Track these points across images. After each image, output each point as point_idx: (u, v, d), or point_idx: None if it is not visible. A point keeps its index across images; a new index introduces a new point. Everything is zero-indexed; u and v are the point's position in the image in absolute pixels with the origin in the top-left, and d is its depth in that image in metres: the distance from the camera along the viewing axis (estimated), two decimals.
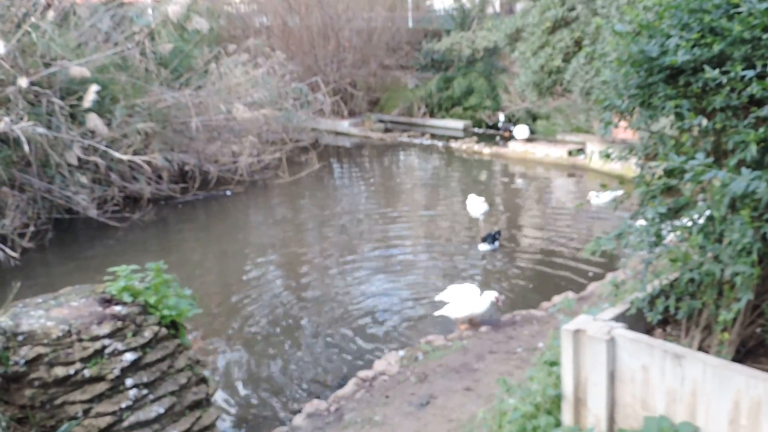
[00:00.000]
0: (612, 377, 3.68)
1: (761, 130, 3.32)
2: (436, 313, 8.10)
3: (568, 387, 3.89)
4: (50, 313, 4.50)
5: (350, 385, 6.86)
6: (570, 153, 17.87)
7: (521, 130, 19.45)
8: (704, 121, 3.69)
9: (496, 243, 10.99)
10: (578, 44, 15.59)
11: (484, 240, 11.05)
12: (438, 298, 8.30)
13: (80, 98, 12.36)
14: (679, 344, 3.71)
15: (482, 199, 12.59)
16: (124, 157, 12.67)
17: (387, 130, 23.51)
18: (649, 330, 4.21)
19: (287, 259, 11.51)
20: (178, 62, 15.95)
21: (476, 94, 23.07)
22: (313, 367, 7.78)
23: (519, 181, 17.40)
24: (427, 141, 21.77)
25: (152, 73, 14.86)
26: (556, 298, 8.63)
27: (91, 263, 11.27)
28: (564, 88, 16.93)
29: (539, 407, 4.14)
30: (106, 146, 12.57)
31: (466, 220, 13.09)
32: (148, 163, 13.08)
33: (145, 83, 14.35)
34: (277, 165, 16.80)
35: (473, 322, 8.03)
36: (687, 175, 3.43)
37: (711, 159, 3.44)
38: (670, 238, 3.95)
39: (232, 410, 6.90)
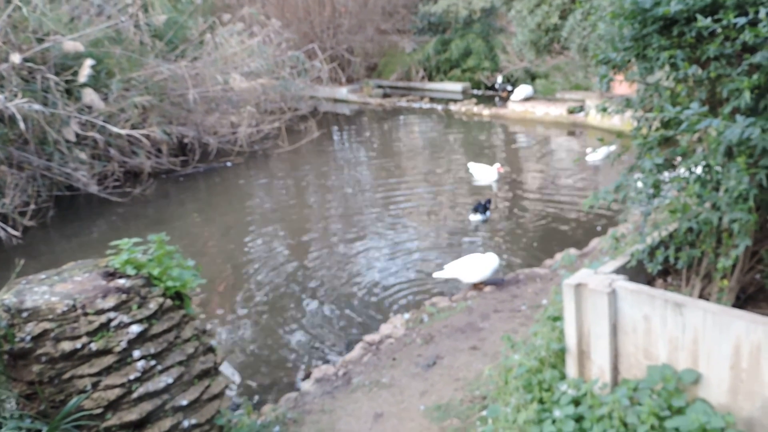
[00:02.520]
0: (614, 329, 3.71)
1: (755, 77, 3.30)
2: (445, 275, 8.09)
3: (571, 340, 3.92)
4: (54, 289, 4.52)
5: (357, 350, 6.92)
6: (570, 111, 17.77)
7: (522, 90, 19.32)
8: (699, 71, 3.66)
9: (488, 213, 10.82)
10: (574, 0, 15.41)
11: (475, 210, 10.84)
12: (445, 267, 8.25)
13: (75, 73, 12.29)
14: (680, 293, 3.72)
15: (497, 165, 12.61)
16: (123, 132, 12.64)
17: (386, 96, 23.38)
18: (649, 281, 4.23)
19: (290, 229, 11.53)
20: (173, 34, 15.82)
21: (474, 55, 22.88)
22: (319, 333, 7.83)
23: (519, 141, 17.34)
24: (426, 105, 21.66)
25: (147, 46, 14.74)
26: (559, 256, 8.66)
27: (93, 239, 11.31)
28: (562, 46, 16.77)
29: (544, 362, 4.17)
30: (104, 121, 12.52)
31: (469, 183, 13.08)
32: (147, 136, 13.06)
33: (140, 56, 14.24)
34: (277, 134, 16.76)
35: (478, 284, 8.06)
36: (683, 125, 3.42)
37: (706, 108, 3.43)
38: (669, 190, 3.95)
39: (241, 378, 6.97)
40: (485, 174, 12.73)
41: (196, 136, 15.20)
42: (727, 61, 3.61)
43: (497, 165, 12.69)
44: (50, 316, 4.29)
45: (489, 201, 10.95)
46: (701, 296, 3.95)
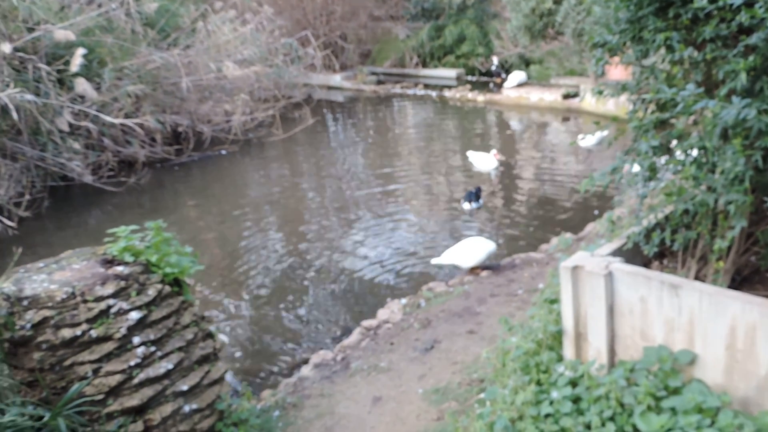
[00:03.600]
0: (611, 311, 3.74)
1: (751, 58, 3.31)
2: (443, 262, 8.12)
3: (568, 323, 3.95)
4: (53, 277, 4.53)
5: (355, 335, 6.96)
6: (565, 96, 17.77)
7: (516, 76, 19.31)
8: (694, 53, 3.67)
9: (480, 201, 10.73)
10: None
11: (468, 199, 10.74)
12: (443, 254, 8.27)
13: (67, 63, 12.22)
14: (676, 275, 3.76)
15: (493, 152, 12.60)
16: (116, 121, 12.59)
17: (380, 83, 23.32)
18: (646, 263, 4.27)
19: (286, 216, 11.54)
20: (165, 22, 15.72)
21: (468, 41, 22.81)
22: (316, 319, 7.87)
23: (514, 127, 17.35)
24: (420, 91, 21.62)
25: (139, 34, 14.64)
26: (555, 240, 8.70)
27: (89, 229, 11.31)
28: (556, 31, 16.77)
29: (541, 344, 4.21)
30: (97, 111, 12.47)
31: (465, 169, 13.10)
32: (141, 126, 13.01)
33: (132, 45, 14.15)
34: (271, 122, 16.71)
35: (475, 268, 8.10)
36: (678, 107, 3.44)
37: (702, 90, 3.44)
38: (665, 173, 3.98)
39: (240, 364, 7.00)
40: (484, 162, 12.71)
41: (190, 124, 15.15)
42: (723, 43, 3.63)
43: (494, 151, 12.67)
44: (50, 304, 4.30)
45: (479, 189, 10.89)
46: (697, 278, 3.98)
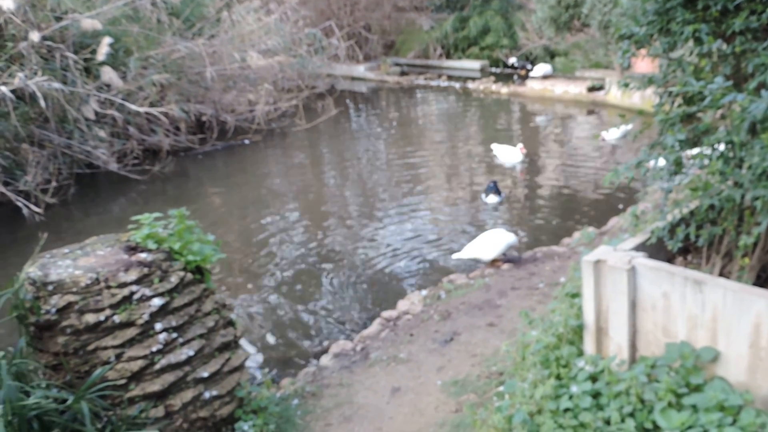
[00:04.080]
0: (633, 306, 3.71)
1: None
2: (464, 256, 8.10)
3: (589, 317, 3.92)
4: (77, 263, 4.59)
5: (375, 325, 6.98)
6: (590, 89, 17.62)
7: (541, 69, 19.16)
8: (723, 45, 3.62)
9: (502, 194, 10.66)
10: None
11: (489, 193, 10.64)
12: (464, 248, 8.24)
13: (93, 51, 12.33)
14: (700, 271, 3.72)
15: (519, 145, 12.50)
16: (141, 110, 12.69)
17: (403, 74, 23.27)
18: (669, 259, 4.22)
19: (307, 206, 11.57)
20: (190, 11, 15.79)
21: (493, 33, 22.68)
22: (337, 309, 7.89)
23: (538, 120, 17.23)
24: (444, 83, 21.55)
25: (164, 24, 14.73)
26: (577, 234, 8.64)
27: (113, 216, 11.44)
28: (582, 23, 16.61)
29: (561, 338, 4.18)
30: (123, 99, 12.58)
31: (487, 162, 13.05)
32: (165, 114, 13.11)
33: (157, 34, 14.26)
34: (294, 112, 16.76)
35: (496, 261, 8.07)
36: (706, 100, 3.39)
37: (730, 83, 3.39)
38: (691, 167, 3.93)
39: (260, 352, 7.05)
40: (509, 155, 12.61)
41: (213, 113, 15.24)
42: (752, 36, 3.57)
43: (520, 145, 12.57)
44: (74, 289, 4.35)
45: (495, 182, 10.82)
46: (721, 274, 3.94)
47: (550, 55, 20.54)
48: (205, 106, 15.10)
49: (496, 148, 12.96)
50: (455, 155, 13.92)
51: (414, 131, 16.64)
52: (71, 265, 4.55)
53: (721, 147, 3.67)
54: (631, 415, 3.49)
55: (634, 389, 3.50)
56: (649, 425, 3.42)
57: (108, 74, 12.29)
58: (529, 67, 20.74)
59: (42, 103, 10.99)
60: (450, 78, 21.89)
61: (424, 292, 7.57)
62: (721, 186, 3.73)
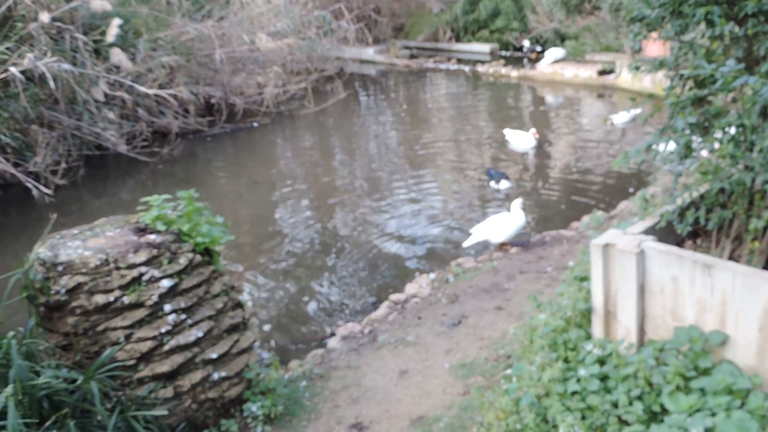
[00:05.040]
0: (642, 289, 3.70)
1: None
2: (473, 240, 8.09)
3: (598, 301, 3.92)
4: (87, 244, 4.61)
5: (383, 308, 6.99)
6: (600, 73, 17.49)
7: (553, 53, 18.98)
8: (735, 28, 3.58)
9: (511, 181, 10.56)
10: None
11: (498, 179, 10.52)
12: (472, 232, 8.22)
13: (103, 33, 12.34)
14: (709, 255, 3.70)
15: (532, 131, 12.41)
16: (150, 92, 12.70)
17: (412, 57, 23.17)
18: (678, 243, 4.20)
19: (316, 189, 11.58)
20: None
21: (503, 15, 22.50)
22: (344, 292, 7.91)
23: (548, 104, 17.14)
24: (453, 66, 21.44)
25: (173, 6, 14.72)
26: (586, 218, 8.61)
27: (122, 198, 11.48)
28: (593, 5, 16.46)
29: (570, 321, 4.18)
30: (132, 81, 12.59)
31: (496, 147, 13.01)
32: (174, 96, 13.12)
33: (167, 16, 14.24)
34: (303, 95, 16.72)
35: (504, 244, 8.06)
36: (717, 83, 3.36)
37: (742, 66, 3.36)
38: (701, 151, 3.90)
39: (268, 335, 7.08)
40: (522, 140, 12.50)
41: (222, 96, 15.23)
42: (765, 18, 3.52)
43: (532, 130, 12.43)
44: (84, 270, 4.38)
45: (489, 169, 10.85)
46: (731, 258, 3.92)
47: (561, 38, 20.39)
48: (214, 89, 15.09)
49: (508, 133, 12.84)
50: (464, 139, 13.87)
51: (423, 115, 16.58)
52: (81, 246, 4.57)
53: (732, 130, 3.64)
54: (639, 398, 3.49)
55: (642, 372, 3.50)
56: (656, 408, 3.42)
57: (117, 56, 12.30)
58: (539, 49, 20.59)
59: (51, 84, 11.01)
60: (459, 61, 21.77)
61: (432, 275, 7.57)
62: (731, 170, 3.71)
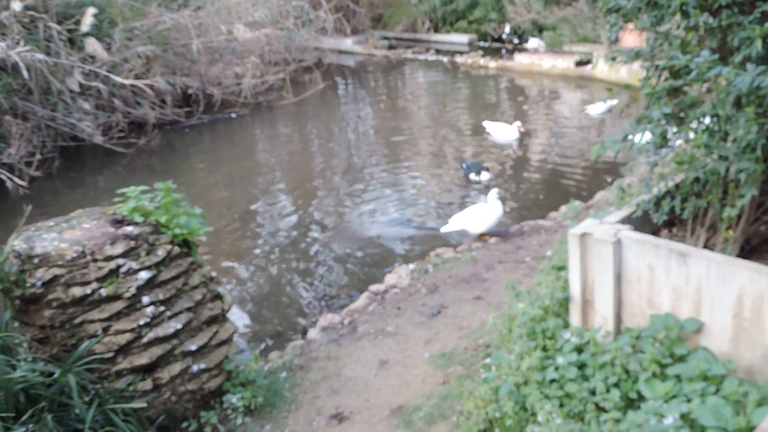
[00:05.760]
0: (618, 278, 3.74)
1: (766, 25, 3.25)
2: (451, 229, 8.12)
3: (575, 289, 3.95)
4: (63, 236, 4.56)
5: (362, 299, 7.00)
6: (577, 63, 17.58)
7: (533, 44, 19.09)
8: (710, 19, 3.61)
9: (487, 173, 10.57)
10: None
11: (475, 171, 10.54)
12: (450, 220, 8.24)
13: (77, 22, 12.18)
14: (685, 244, 3.75)
15: (517, 123, 12.35)
16: (126, 82, 12.57)
17: (391, 47, 23.14)
18: (654, 232, 4.25)
19: (295, 181, 11.54)
20: None
21: (481, 6, 22.56)
22: (324, 283, 7.91)
23: (525, 94, 17.20)
24: (432, 57, 21.45)
25: None
26: (564, 208, 8.67)
27: (99, 189, 11.36)
28: None
29: (548, 310, 4.22)
30: (107, 71, 12.45)
31: (475, 137, 13.04)
32: (151, 87, 13.00)
33: (142, 5, 14.07)
34: (281, 86, 16.65)
35: (483, 235, 8.09)
36: (692, 74, 3.39)
37: (716, 56, 3.39)
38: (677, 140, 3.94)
39: (248, 326, 7.07)
40: (504, 133, 12.43)
41: (200, 87, 15.12)
42: (739, 9, 3.55)
43: (518, 123, 12.36)
44: (60, 262, 4.34)
45: (463, 161, 10.90)
46: (706, 247, 3.97)
47: (539, 29, 20.46)
48: (192, 79, 14.98)
49: (489, 125, 12.77)
50: (443, 130, 13.89)
51: (401, 105, 16.58)
52: (57, 238, 4.52)
53: (707, 120, 3.68)
54: (616, 385, 3.53)
55: (619, 360, 3.54)
56: (633, 395, 3.47)
57: (92, 45, 12.16)
58: (516, 41, 20.65)
59: (25, 74, 10.86)
60: (438, 52, 21.78)
61: (411, 266, 7.59)
62: (706, 159, 3.75)
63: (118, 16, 13.52)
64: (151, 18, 13.93)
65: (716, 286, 3.32)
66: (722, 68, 3.23)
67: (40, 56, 11.09)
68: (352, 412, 5.00)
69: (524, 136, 12.61)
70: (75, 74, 12.10)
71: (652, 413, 3.14)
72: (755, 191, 3.43)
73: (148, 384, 4.62)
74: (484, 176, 10.47)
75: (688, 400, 3.16)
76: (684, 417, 3.07)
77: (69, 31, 12.28)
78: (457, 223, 8.06)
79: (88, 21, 11.97)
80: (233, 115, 15.48)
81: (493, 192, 8.09)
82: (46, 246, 4.41)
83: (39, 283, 4.31)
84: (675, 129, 3.85)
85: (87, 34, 12.19)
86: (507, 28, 21.23)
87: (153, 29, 13.86)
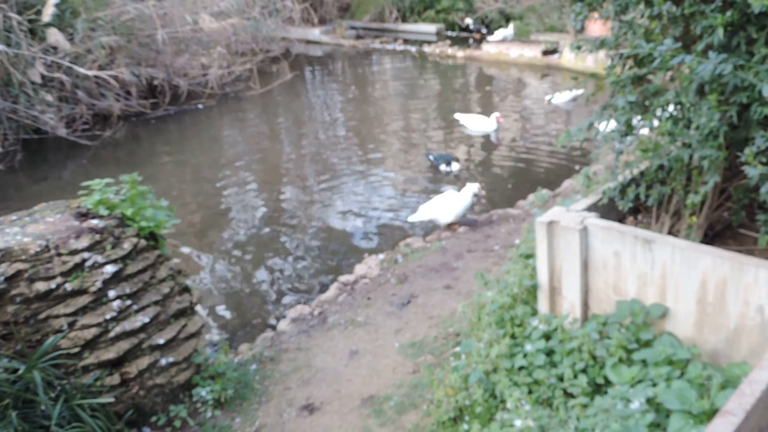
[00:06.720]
0: (585, 265, 3.78)
1: (728, 13, 3.29)
2: (420, 218, 8.12)
3: (543, 277, 3.99)
4: (26, 230, 4.48)
5: (332, 290, 6.99)
6: (544, 53, 17.69)
7: (501, 33, 19.16)
8: (673, 8, 3.65)
9: (456, 164, 10.54)
10: None
11: (443, 161, 10.51)
12: (419, 209, 8.25)
13: (39, 12, 11.93)
14: (650, 230, 3.80)
15: (496, 114, 12.24)
16: (90, 73, 12.36)
17: (359, 37, 23.06)
18: (620, 219, 4.30)
19: (263, 171, 11.47)
20: None
21: None
22: (294, 274, 7.88)
23: (493, 84, 17.27)
24: (400, 46, 21.42)
25: None
26: (532, 196, 8.74)
27: (63, 183, 11.17)
28: None
29: (516, 298, 4.25)
30: (70, 62, 12.23)
31: (443, 128, 13.06)
32: (115, 78, 12.80)
33: None
34: (248, 76, 16.50)
35: (453, 224, 8.12)
36: (656, 62, 3.43)
37: (679, 45, 3.43)
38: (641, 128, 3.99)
39: (217, 319, 7.02)
40: (481, 124, 12.29)
41: (165, 77, 14.91)
42: None
43: (496, 114, 12.25)
44: (23, 257, 4.26)
45: (429, 152, 10.93)
46: (670, 233, 4.03)
47: (506, 18, 20.54)
48: (157, 70, 14.76)
49: (462, 118, 12.60)
50: (411, 120, 13.89)
51: (370, 95, 16.54)
52: (20, 232, 4.44)
53: (671, 108, 3.72)
54: (584, 371, 3.58)
55: (586, 346, 3.58)
56: (600, 380, 3.52)
57: (54, 36, 11.92)
58: (484, 31, 20.71)
59: None
60: (406, 42, 21.76)
61: (381, 256, 7.60)
62: (670, 146, 3.80)
63: (80, 6, 13.27)
64: (114, 8, 13.70)
65: (681, 271, 3.37)
66: (685, 56, 3.27)
67: (0, 47, 10.84)
68: (323, 402, 5.00)
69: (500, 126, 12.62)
70: (37, 65, 11.87)
71: (618, 398, 3.19)
72: (718, 178, 3.48)
73: (115, 379, 4.57)
74: (455, 166, 10.48)
75: (654, 385, 3.21)
76: (650, 401, 3.12)
77: (30, 21, 12.03)
78: (425, 212, 8.07)
79: (49, 11, 11.73)
80: (200, 106, 15.32)
81: (473, 186, 8.05)
82: (8, 240, 4.33)
83: (1, 279, 4.22)
84: (639, 117, 3.89)
85: (49, 25, 11.95)
86: (470, 22, 21.31)
87: (117, 19, 13.64)
